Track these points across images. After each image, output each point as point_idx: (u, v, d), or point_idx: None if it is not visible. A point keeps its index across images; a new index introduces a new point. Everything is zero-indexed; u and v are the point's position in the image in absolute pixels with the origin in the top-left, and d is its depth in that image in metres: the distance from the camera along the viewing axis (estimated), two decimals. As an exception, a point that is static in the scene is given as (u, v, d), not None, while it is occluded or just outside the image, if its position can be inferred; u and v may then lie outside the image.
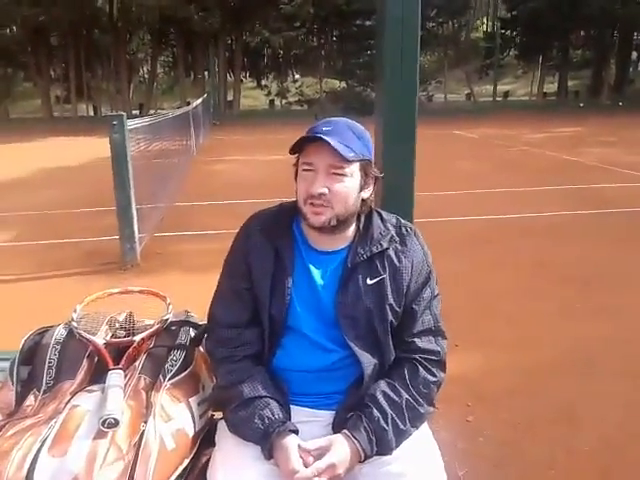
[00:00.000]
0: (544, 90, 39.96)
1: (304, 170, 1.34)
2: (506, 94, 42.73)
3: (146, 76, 41.40)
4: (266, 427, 1.29)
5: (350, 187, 1.33)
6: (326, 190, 1.30)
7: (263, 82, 43.56)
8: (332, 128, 1.32)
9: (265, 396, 1.35)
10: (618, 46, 38.75)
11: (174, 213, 7.50)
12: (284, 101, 39.13)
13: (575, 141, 16.49)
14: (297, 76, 43.84)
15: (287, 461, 1.24)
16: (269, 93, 41.43)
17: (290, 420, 1.34)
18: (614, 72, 39.39)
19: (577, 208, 7.48)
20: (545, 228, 6.57)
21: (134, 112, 31.00)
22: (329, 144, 1.26)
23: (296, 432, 1.31)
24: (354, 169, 1.33)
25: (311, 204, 1.32)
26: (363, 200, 1.38)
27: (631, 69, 40.75)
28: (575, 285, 4.61)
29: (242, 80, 39.42)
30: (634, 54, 40.73)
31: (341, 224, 1.36)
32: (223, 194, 8.81)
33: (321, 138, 1.27)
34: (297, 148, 1.33)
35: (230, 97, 35.76)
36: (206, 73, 35.47)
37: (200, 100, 18.24)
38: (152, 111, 30.90)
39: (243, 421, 1.33)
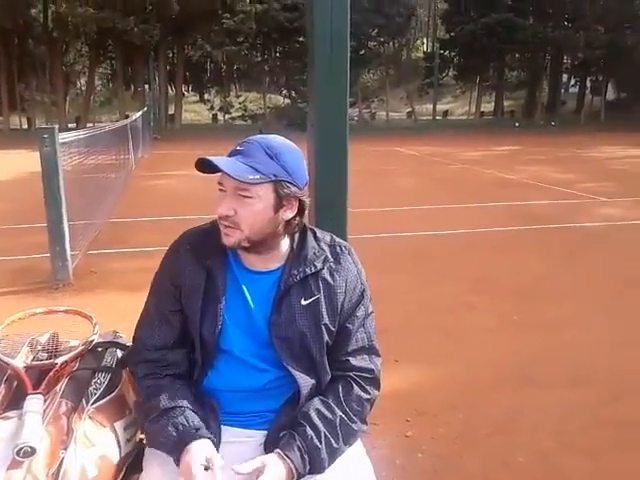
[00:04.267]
0: (481, 109, 41.50)
1: (219, 190, 1.31)
2: (445, 113, 44.14)
3: (83, 88, 40.32)
4: (179, 434, 1.26)
5: (257, 209, 1.28)
6: (232, 212, 1.28)
7: (206, 96, 43.23)
8: (244, 148, 1.30)
9: (182, 406, 1.31)
10: (550, 68, 40.81)
11: (110, 230, 7.27)
12: (227, 116, 38.94)
13: (511, 159, 17.17)
14: (240, 91, 43.82)
15: (186, 465, 1.20)
16: (212, 108, 41.14)
17: (218, 437, 1.32)
18: (547, 93, 41.42)
19: (513, 224, 7.74)
20: (484, 243, 6.75)
21: (70, 125, 30.05)
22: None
23: (211, 439, 1.28)
24: (262, 191, 1.27)
25: (222, 224, 1.31)
26: (287, 221, 1.34)
27: (562, 91, 42.93)
28: (513, 298, 4.75)
29: (184, 94, 39.01)
30: (565, 76, 42.99)
31: (258, 245, 1.33)
32: (161, 210, 8.61)
33: (211, 162, 1.24)
34: (207, 171, 1.28)
35: (172, 111, 35.31)
36: (146, 86, 34.87)
37: (140, 113, 17.91)
38: (90, 124, 30.05)
39: (159, 432, 1.29)
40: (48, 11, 31.84)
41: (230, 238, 1.30)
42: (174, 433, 1.26)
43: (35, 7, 31.57)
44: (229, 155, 1.30)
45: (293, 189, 1.31)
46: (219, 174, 1.29)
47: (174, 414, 1.29)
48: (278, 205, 1.30)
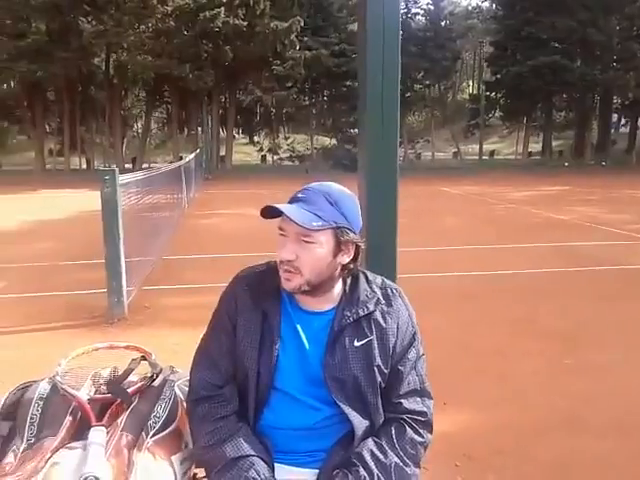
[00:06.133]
0: (529, 150, 41.10)
1: (279, 234, 1.37)
2: (492, 153, 43.90)
3: (140, 131, 42.14)
4: None
5: (319, 254, 1.33)
6: (294, 256, 1.33)
7: (255, 138, 44.50)
8: (306, 195, 1.35)
9: (249, 455, 1.33)
10: (599, 108, 40.24)
11: (164, 266, 7.49)
12: (275, 157, 39.89)
13: (559, 199, 16.84)
14: (288, 133, 44.80)
15: None
16: (261, 149, 42.31)
17: (275, 478, 1.33)
18: (596, 133, 40.72)
19: (562, 265, 7.56)
20: (531, 285, 6.62)
21: (127, 166, 31.46)
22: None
23: None
24: (324, 237, 1.33)
25: (282, 268, 1.35)
26: (344, 265, 1.39)
27: (612, 130, 42.13)
28: (562, 341, 4.62)
29: (235, 136, 40.24)
30: (614, 116, 42.24)
31: (316, 289, 1.37)
32: (213, 248, 8.83)
33: (278, 209, 1.30)
34: (267, 215, 1.34)
35: (223, 152, 36.41)
36: (199, 129, 36.21)
37: (193, 155, 18.54)
38: (145, 165, 31.34)
39: None
40: (110, 60, 33.66)
41: (290, 283, 1.35)
42: None
43: (98, 56, 33.44)
44: (290, 201, 1.36)
45: (352, 235, 1.36)
46: (279, 219, 1.35)
47: (243, 466, 1.31)
48: (337, 250, 1.36)
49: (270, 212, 1.33)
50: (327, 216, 1.32)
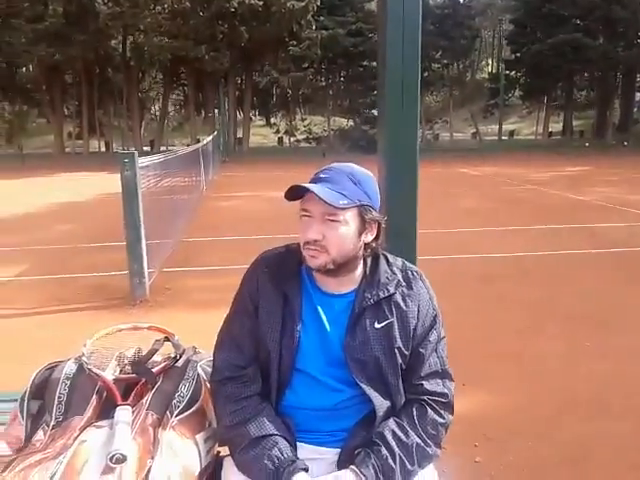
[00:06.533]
0: (549, 129, 40.43)
1: (302, 216, 1.37)
2: (512, 133, 43.27)
3: (157, 114, 42.27)
4: (276, 467, 1.30)
5: (345, 233, 1.34)
6: (320, 236, 1.33)
7: (272, 120, 44.41)
8: (329, 175, 1.36)
9: (272, 434, 1.36)
10: (622, 87, 39.36)
11: (183, 248, 7.56)
12: (292, 139, 39.76)
13: (580, 180, 16.60)
14: (305, 115, 44.60)
15: None
16: (278, 131, 42.19)
17: (298, 457, 1.35)
18: (619, 112, 39.89)
19: (583, 247, 7.48)
20: (552, 266, 6.57)
21: (145, 149, 31.65)
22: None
23: (306, 470, 1.32)
24: (349, 215, 1.34)
25: (308, 248, 1.36)
26: (366, 244, 1.40)
27: (635, 109, 41.24)
28: (583, 324, 4.59)
29: (251, 118, 40.19)
30: (638, 95, 41.30)
31: (341, 267, 1.38)
32: (231, 230, 8.89)
33: (300, 190, 1.31)
34: (289, 196, 1.36)
35: (240, 135, 36.43)
36: (216, 111, 36.19)
37: (210, 137, 18.57)
38: (163, 148, 31.52)
39: (252, 461, 1.33)
40: (126, 42, 33.69)
41: (316, 260, 1.36)
42: (271, 466, 1.30)
43: (115, 38, 33.49)
44: (314, 181, 1.36)
45: (375, 213, 1.38)
46: (299, 201, 1.36)
47: (267, 445, 1.34)
48: (362, 229, 1.37)
49: (292, 194, 1.34)
50: (352, 195, 1.33)
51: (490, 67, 56.77)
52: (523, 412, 3.20)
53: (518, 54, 38.57)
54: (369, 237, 1.40)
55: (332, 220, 1.33)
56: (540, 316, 4.83)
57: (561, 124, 42.00)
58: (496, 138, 39.46)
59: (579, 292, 5.50)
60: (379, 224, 1.41)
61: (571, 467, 2.66)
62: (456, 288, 5.48)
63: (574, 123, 41.35)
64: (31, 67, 35.61)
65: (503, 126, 40.28)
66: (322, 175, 1.37)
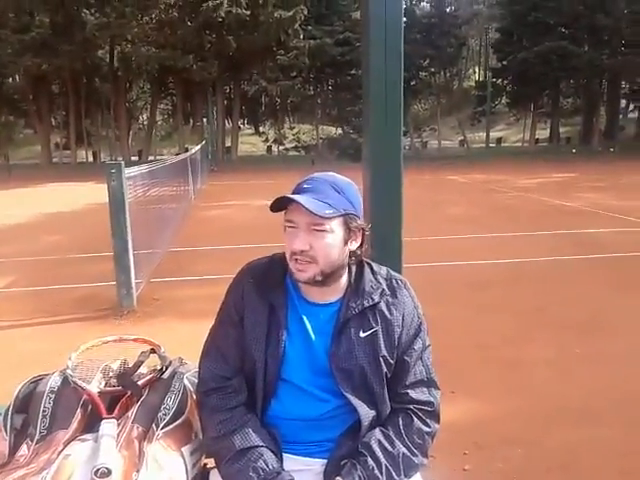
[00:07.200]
0: (536, 136, 40.78)
1: (288, 227, 1.37)
2: (499, 140, 43.60)
3: (145, 123, 42.15)
4: (262, 479, 1.30)
5: (332, 242, 1.35)
6: (307, 247, 1.33)
7: (261, 129, 44.42)
8: (312, 185, 1.36)
9: (258, 446, 1.35)
10: (607, 94, 39.82)
11: (171, 258, 7.53)
12: (281, 147, 39.80)
13: (568, 186, 16.74)
14: (294, 123, 44.71)
15: None
16: (266, 139, 42.19)
17: (284, 469, 1.35)
18: (605, 119, 40.33)
19: (571, 253, 7.53)
20: (540, 273, 6.60)
21: (133, 158, 31.53)
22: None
23: None
24: (335, 224, 1.35)
25: (295, 260, 1.36)
26: (351, 252, 1.41)
27: (621, 116, 41.73)
28: (573, 330, 4.61)
29: (240, 127, 40.18)
30: (623, 101, 41.82)
31: (328, 277, 1.38)
32: (220, 239, 8.86)
33: (293, 199, 1.31)
34: (274, 208, 1.36)
35: (228, 143, 36.40)
36: (204, 120, 36.19)
37: (198, 147, 18.56)
38: (151, 157, 31.43)
39: (238, 474, 1.33)
40: (114, 52, 33.64)
41: (304, 273, 1.36)
42: (256, 478, 1.30)
43: (102, 49, 33.42)
44: (296, 192, 1.36)
45: (359, 221, 1.40)
46: (283, 212, 1.36)
47: (252, 457, 1.33)
48: (347, 237, 1.38)
49: (277, 205, 1.34)
50: (336, 204, 1.34)
51: (477, 75, 57.24)
52: (513, 419, 3.20)
53: (505, 62, 38.91)
54: (354, 245, 1.41)
55: (318, 230, 1.33)
56: (530, 323, 4.84)
57: (548, 131, 42.38)
58: (484, 145, 39.74)
59: (568, 298, 5.53)
60: (363, 231, 1.42)
61: (561, 474, 2.66)
62: (445, 295, 5.50)
63: (561, 130, 41.74)
64: (17, 77, 35.44)
65: (490, 133, 40.58)
66: (305, 185, 1.37)
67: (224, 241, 8.59)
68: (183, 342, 3.55)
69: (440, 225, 10.03)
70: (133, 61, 31.82)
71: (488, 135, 39.66)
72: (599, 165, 23.99)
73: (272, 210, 1.36)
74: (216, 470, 1.44)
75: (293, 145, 40.31)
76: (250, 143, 43.44)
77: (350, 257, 1.42)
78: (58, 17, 30.21)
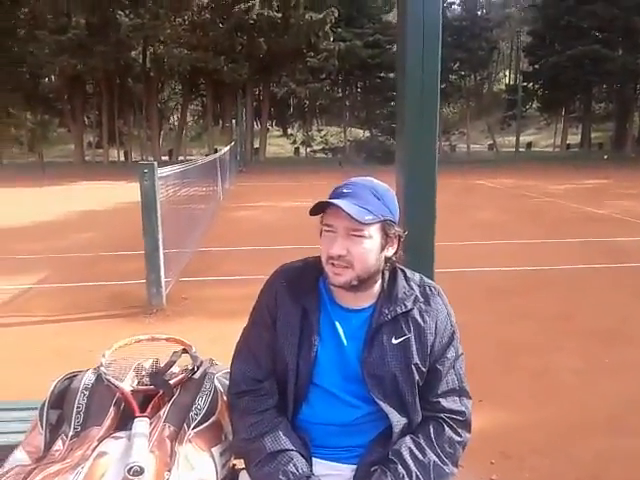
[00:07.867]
0: (567, 142, 40.08)
1: (325, 231, 1.37)
2: (529, 145, 42.96)
3: (176, 124, 42.63)
4: None
5: (369, 248, 1.35)
6: (345, 251, 1.33)
7: (289, 131, 44.59)
8: (352, 190, 1.36)
9: (288, 449, 1.35)
10: (641, 99, 38.91)
11: (200, 258, 7.60)
12: (309, 149, 39.86)
13: (599, 193, 16.41)
14: (322, 125, 44.76)
15: None
16: (294, 141, 42.34)
17: (313, 473, 1.35)
18: (638, 124, 39.42)
19: (601, 261, 7.38)
20: (567, 280, 6.49)
21: (164, 158, 31.93)
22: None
23: None
24: (373, 230, 1.35)
25: (332, 264, 1.36)
26: (387, 258, 1.41)
27: (656, 122, 40.74)
28: (602, 339, 4.53)
29: (268, 129, 40.39)
30: (658, 107, 40.80)
31: (363, 283, 1.38)
32: (248, 240, 8.92)
33: (323, 205, 1.32)
34: (315, 212, 1.36)
35: (256, 145, 36.60)
36: (234, 121, 36.46)
37: (228, 147, 18.71)
38: (181, 157, 31.80)
39: (268, 476, 1.33)
40: (147, 53, 34.14)
41: (341, 278, 1.36)
42: None
43: (135, 49, 33.93)
44: (335, 197, 1.36)
45: (397, 228, 1.40)
46: (320, 216, 1.37)
47: (282, 460, 1.34)
48: (384, 243, 1.38)
49: (315, 209, 1.35)
50: (376, 210, 1.34)
51: (508, 79, 56.52)
52: (540, 429, 3.16)
53: (536, 66, 38.37)
54: (390, 251, 1.40)
55: (357, 235, 1.33)
56: (557, 331, 4.77)
57: (579, 136, 41.60)
58: (513, 150, 39.19)
59: (597, 307, 5.43)
60: (400, 238, 1.42)
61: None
62: (472, 302, 5.44)
63: (592, 135, 40.92)
64: (53, 77, 36.18)
65: (520, 138, 40.00)
66: (345, 190, 1.36)
67: (251, 242, 8.65)
68: (212, 341, 3.60)
69: (467, 230, 9.92)
70: (165, 62, 32.20)
71: (518, 139, 39.10)
72: (631, 172, 23.42)
73: (310, 214, 1.37)
74: (245, 471, 1.44)
75: (321, 147, 40.32)
76: (278, 145, 43.62)
77: (385, 263, 1.41)
78: (94, 18, 30.76)
